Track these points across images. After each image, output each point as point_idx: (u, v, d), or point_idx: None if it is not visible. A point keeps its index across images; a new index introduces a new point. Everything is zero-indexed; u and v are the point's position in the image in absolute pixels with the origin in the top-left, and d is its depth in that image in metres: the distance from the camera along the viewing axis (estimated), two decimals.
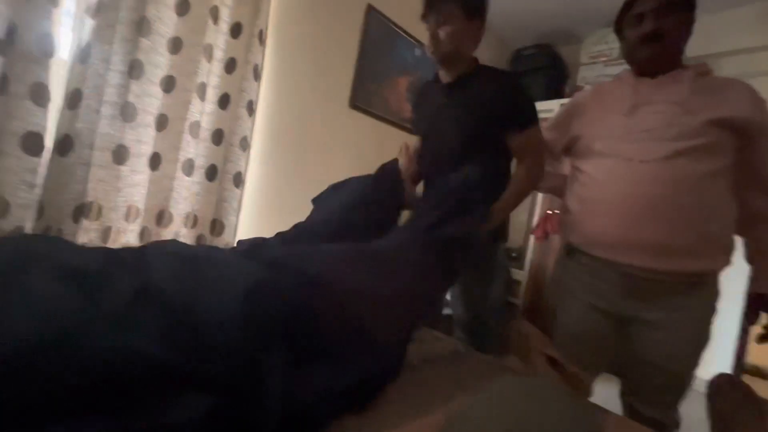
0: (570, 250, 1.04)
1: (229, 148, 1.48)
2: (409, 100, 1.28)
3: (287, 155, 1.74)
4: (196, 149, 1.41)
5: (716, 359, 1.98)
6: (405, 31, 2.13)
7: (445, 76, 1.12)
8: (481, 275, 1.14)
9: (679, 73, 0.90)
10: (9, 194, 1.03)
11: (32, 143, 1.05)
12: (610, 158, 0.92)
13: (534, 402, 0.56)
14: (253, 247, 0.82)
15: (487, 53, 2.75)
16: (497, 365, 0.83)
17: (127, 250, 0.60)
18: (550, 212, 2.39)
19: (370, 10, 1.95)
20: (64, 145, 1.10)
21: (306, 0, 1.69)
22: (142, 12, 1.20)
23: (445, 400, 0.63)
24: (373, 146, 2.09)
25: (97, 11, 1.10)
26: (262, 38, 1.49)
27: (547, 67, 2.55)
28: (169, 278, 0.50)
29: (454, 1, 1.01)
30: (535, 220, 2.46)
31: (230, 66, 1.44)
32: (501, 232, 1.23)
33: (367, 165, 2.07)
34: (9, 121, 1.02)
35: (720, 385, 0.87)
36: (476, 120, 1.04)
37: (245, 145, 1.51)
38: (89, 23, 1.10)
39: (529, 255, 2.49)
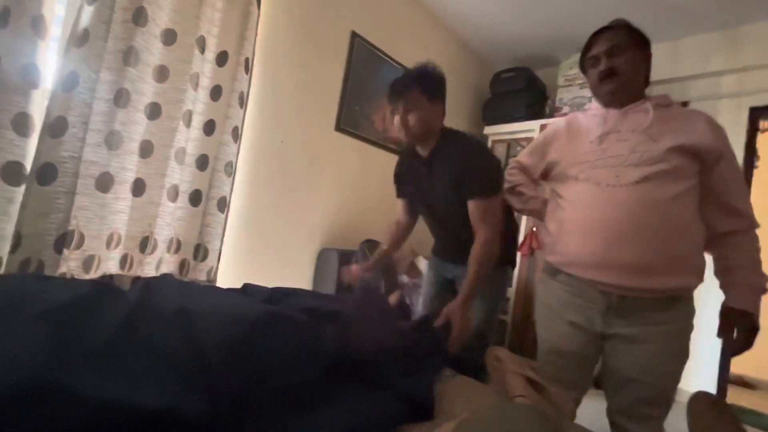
0: (550, 270, 1.08)
1: (214, 173, 1.49)
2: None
3: (272, 180, 1.75)
4: (180, 175, 1.42)
5: (702, 372, 2.02)
6: (388, 56, 2.20)
7: (421, 150, 1.21)
8: (482, 298, 1.18)
9: (642, 104, 0.98)
10: None
11: (12, 173, 1.04)
12: (583, 183, 0.98)
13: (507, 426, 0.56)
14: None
15: (470, 75, 2.86)
16: (481, 387, 0.83)
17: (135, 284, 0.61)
18: (536, 229, 2.44)
19: (355, 36, 2.01)
20: (44, 174, 1.09)
21: (291, 28, 1.75)
22: (130, 42, 1.22)
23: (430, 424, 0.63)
24: (358, 167, 2.12)
25: (84, 40, 1.12)
26: (247, 66, 1.52)
27: (526, 88, 2.65)
28: (170, 301, 0.50)
29: (416, 88, 1.10)
30: (521, 236, 2.50)
31: (216, 93, 1.47)
32: (510, 256, 1.29)
33: (351, 186, 2.10)
34: None
35: (697, 402, 0.90)
36: (450, 190, 1.14)
37: (230, 170, 1.52)
38: (76, 52, 1.11)
39: (516, 271, 2.52)
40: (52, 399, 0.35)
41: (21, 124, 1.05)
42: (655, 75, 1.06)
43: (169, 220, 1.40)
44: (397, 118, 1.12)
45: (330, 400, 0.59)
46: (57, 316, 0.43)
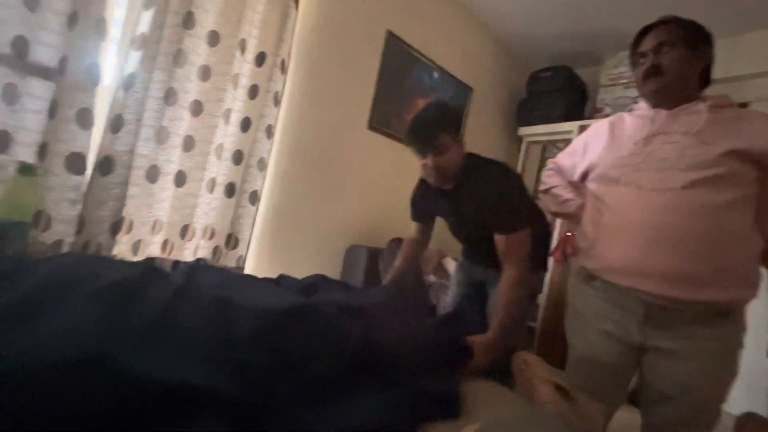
0: (585, 276, 1.04)
1: (248, 168, 1.58)
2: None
3: (304, 176, 1.82)
4: (218, 169, 1.51)
5: (753, 394, 1.85)
6: (423, 55, 2.21)
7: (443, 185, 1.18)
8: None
9: (695, 105, 0.92)
10: (52, 209, 1.14)
11: (76, 163, 1.16)
12: (625, 186, 0.94)
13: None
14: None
15: (505, 74, 2.79)
16: (506, 391, 0.83)
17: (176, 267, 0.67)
18: (570, 234, 2.35)
19: (390, 36, 2.03)
20: (105, 165, 1.21)
21: (327, 29, 1.80)
22: (179, 44, 1.31)
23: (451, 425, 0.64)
24: (389, 166, 2.14)
25: (142, 44, 1.22)
26: (283, 67, 1.59)
27: (565, 88, 2.55)
28: (211, 288, 0.54)
29: (442, 132, 1.06)
30: (554, 241, 2.42)
31: (253, 92, 1.54)
32: (542, 259, 1.26)
33: (382, 184, 2.13)
34: (56, 143, 1.14)
35: (744, 425, 0.83)
36: (477, 221, 1.14)
37: (262, 166, 1.60)
38: (134, 55, 1.21)
39: (547, 277, 2.44)
40: (100, 372, 0.40)
41: (84, 118, 1.16)
42: (714, 73, 0.99)
43: (206, 210, 1.50)
44: (425, 163, 1.09)
45: (352, 394, 0.61)
46: (110, 295, 0.48)
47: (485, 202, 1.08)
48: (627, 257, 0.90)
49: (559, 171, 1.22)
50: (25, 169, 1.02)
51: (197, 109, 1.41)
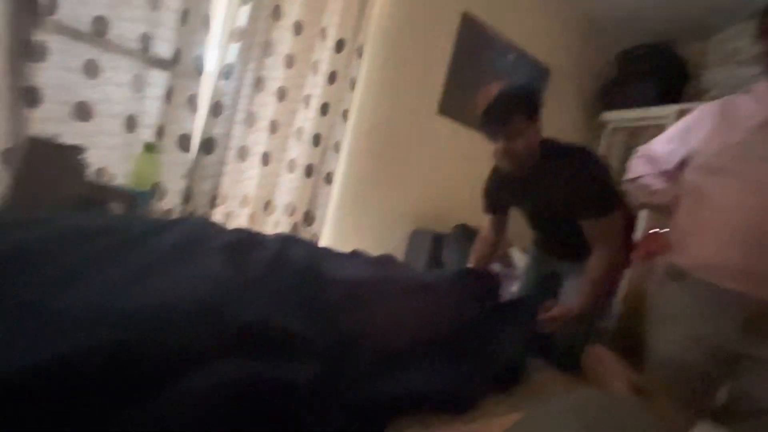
0: (674, 273, 0.96)
1: (325, 150, 1.68)
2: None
3: (374, 159, 1.88)
4: (298, 150, 1.63)
5: None
6: (498, 36, 2.12)
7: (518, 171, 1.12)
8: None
9: None
10: (166, 182, 1.34)
11: (185, 143, 1.34)
12: (731, 177, 0.85)
13: (609, 417, 0.55)
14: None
15: (589, 54, 2.56)
16: (574, 381, 0.82)
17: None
18: (656, 231, 2.13)
19: (465, 18, 1.98)
20: (207, 145, 1.38)
21: (404, 13, 1.81)
22: (269, 35, 1.43)
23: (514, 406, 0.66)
24: (457, 151, 2.12)
25: (239, 37, 1.35)
26: (360, 53, 1.64)
27: (661, 67, 2.27)
28: (302, 256, 0.63)
29: (518, 114, 1.00)
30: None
31: (332, 78, 1.62)
32: (627, 251, 1.19)
33: (449, 169, 2.12)
34: (170, 125, 1.33)
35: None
36: (558, 209, 1.08)
37: (338, 148, 1.69)
38: (233, 47, 1.35)
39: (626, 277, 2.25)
40: (226, 315, 0.49)
41: (192, 103, 1.33)
42: None
43: (287, 188, 1.64)
44: (499, 147, 1.04)
45: (422, 363, 0.65)
46: (228, 251, 0.58)
47: (570, 188, 1.01)
48: (727, 256, 0.82)
49: (651, 159, 1.12)
50: (149, 147, 1.21)
51: (282, 95, 1.53)
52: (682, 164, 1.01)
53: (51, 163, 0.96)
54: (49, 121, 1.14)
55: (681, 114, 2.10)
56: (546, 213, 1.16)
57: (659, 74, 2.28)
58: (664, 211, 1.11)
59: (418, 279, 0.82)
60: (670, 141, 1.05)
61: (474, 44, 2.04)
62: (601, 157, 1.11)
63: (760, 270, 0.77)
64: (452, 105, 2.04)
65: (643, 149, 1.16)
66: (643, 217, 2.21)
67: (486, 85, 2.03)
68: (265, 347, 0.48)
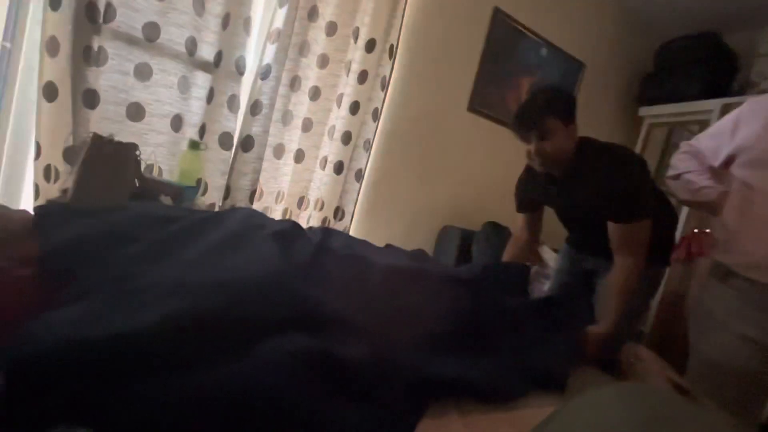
0: (721, 272, 0.93)
1: (355, 148, 1.71)
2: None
3: (404, 156, 1.90)
4: (329, 148, 1.67)
5: None
6: (531, 31, 2.08)
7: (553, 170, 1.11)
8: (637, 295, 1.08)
9: None
10: (209, 178, 1.41)
11: (226, 141, 1.41)
12: None
13: (664, 412, 0.54)
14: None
15: (628, 46, 2.47)
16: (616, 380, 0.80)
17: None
18: (698, 231, 2.03)
19: (497, 12, 1.96)
20: (246, 143, 1.44)
21: (435, 10, 1.81)
22: (305, 36, 1.48)
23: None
24: (486, 148, 2.11)
25: (276, 38, 1.41)
26: (392, 52, 1.67)
27: (707, 59, 2.16)
28: (342, 245, 0.67)
29: (549, 115, 0.99)
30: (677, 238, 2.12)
31: (362, 77, 1.65)
32: (665, 255, 1.18)
33: (479, 166, 2.11)
34: (212, 123, 1.40)
35: None
36: (590, 209, 1.06)
37: (368, 146, 1.72)
38: (270, 48, 1.41)
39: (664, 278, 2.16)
40: (284, 295, 0.53)
41: (232, 103, 1.40)
42: None
43: (318, 184, 1.69)
44: (530, 148, 1.04)
45: (459, 352, 0.67)
46: (281, 237, 0.62)
47: (602, 188, 1.00)
48: None
49: (696, 154, 1.08)
50: (193, 145, 1.28)
51: (315, 94, 1.58)
52: (729, 160, 0.97)
53: (110, 159, 1.03)
54: (106, 121, 1.23)
55: (726, 108, 1.99)
56: (578, 213, 1.15)
57: (703, 66, 2.17)
58: (709, 209, 1.07)
59: (452, 271, 0.83)
60: (716, 136, 1.02)
61: (505, 39, 2.02)
62: (642, 158, 1.06)
63: None
64: (483, 101, 2.03)
65: (687, 144, 1.13)
66: (683, 216, 2.12)
67: (519, 83, 2.00)
68: (315, 326, 0.52)
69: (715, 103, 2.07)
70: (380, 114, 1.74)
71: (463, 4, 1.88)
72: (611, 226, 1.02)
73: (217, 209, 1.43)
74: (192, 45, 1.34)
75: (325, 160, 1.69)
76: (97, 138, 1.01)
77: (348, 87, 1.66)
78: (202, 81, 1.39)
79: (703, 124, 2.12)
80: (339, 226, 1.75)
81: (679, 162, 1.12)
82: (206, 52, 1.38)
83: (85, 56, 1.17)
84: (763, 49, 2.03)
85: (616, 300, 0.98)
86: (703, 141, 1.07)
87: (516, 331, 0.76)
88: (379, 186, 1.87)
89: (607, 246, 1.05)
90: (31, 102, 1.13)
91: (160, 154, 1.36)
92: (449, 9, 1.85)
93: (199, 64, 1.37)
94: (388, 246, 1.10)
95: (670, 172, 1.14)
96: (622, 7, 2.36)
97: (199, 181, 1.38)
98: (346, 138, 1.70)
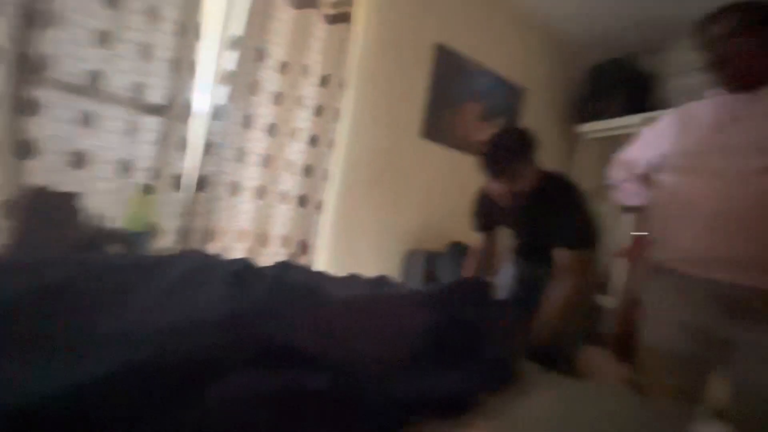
0: (658, 268, 1.02)
1: (315, 180, 1.73)
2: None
3: (365, 185, 1.94)
4: (291, 182, 1.68)
5: None
6: (473, 61, 2.25)
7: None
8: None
9: None
10: (163, 222, 1.36)
11: (178, 183, 1.38)
12: (697, 175, 0.93)
13: (598, 405, 0.57)
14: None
15: (562, 71, 2.72)
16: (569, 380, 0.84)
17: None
18: (640, 234, 2.20)
19: (439, 47, 2.11)
20: (200, 184, 1.42)
21: (380, 46, 1.92)
22: (256, 76, 1.51)
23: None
24: (442, 171, 2.20)
25: (227, 79, 1.43)
26: (344, 86, 1.73)
27: (627, 80, 2.43)
28: (300, 280, 0.67)
29: (519, 158, 1.09)
30: (617, 241, 2.28)
31: (319, 111, 1.70)
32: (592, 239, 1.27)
33: (437, 189, 2.18)
34: (164, 166, 1.37)
35: None
36: (545, 234, 1.16)
37: (326, 176, 1.75)
38: (222, 89, 1.42)
39: (621, 279, 2.30)
40: (240, 335, 0.52)
41: (183, 145, 1.38)
42: None
43: (282, 219, 1.67)
44: (499, 187, 1.12)
45: (421, 370, 0.68)
46: (234, 277, 0.61)
47: (555, 217, 1.11)
48: (697, 246, 0.89)
49: (626, 165, 1.20)
50: (143, 189, 1.24)
51: (273, 130, 1.60)
52: (653, 168, 1.09)
53: (49, 210, 0.98)
54: (46, 171, 1.17)
55: (648, 122, 2.23)
56: (531, 233, 1.25)
57: (626, 86, 2.44)
58: (644, 212, 1.18)
59: (411, 292, 0.85)
60: (640, 148, 1.14)
61: (449, 71, 2.17)
62: (583, 193, 1.20)
63: (725, 255, 0.84)
64: (434, 128, 2.14)
65: (617, 156, 1.25)
66: (629, 221, 2.29)
67: (466, 108, 2.12)
68: (277, 362, 0.51)
69: (637, 119, 2.32)
70: (339, 145, 1.78)
71: (407, 40, 2.01)
72: (560, 252, 1.11)
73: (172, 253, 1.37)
74: (138, 90, 1.32)
75: (286, 194, 1.69)
76: (32, 190, 0.96)
77: (305, 121, 1.70)
78: (151, 125, 1.37)
79: (632, 137, 2.35)
80: (306, 260, 1.73)
81: (613, 172, 1.24)
82: (154, 96, 1.36)
83: (20, 106, 1.12)
84: (672, 69, 2.32)
85: (553, 314, 1.07)
86: (630, 153, 1.19)
87: (471, 339, 0.78)
88: (343, 216, 1.88)
89: (551, 255, 1.13)
90: None
91: (107, 202, 1.30)
92: (394, 45, 1.97)
93: (147, 108, 1.36)
94: (350, 275, 1.10)
95: (608, 183, 1.25)
96: (553, 35, 2.62)
97: (151, 225, 1.33)
98: (308, 171, 1.72)
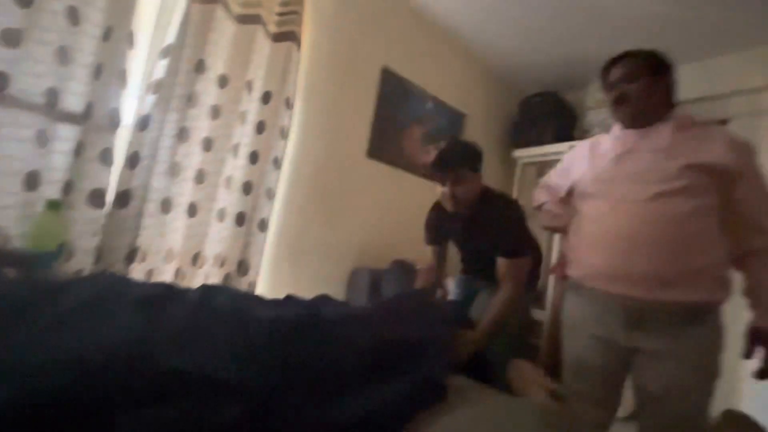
0: (573, 284, 1.11)
1: (257, 197, 1.67)
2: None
3: (309, 203, 1.91)
4: (228, 199, 1.60)
5: (749, 397, 1.83)
6: (417, 86, 2.35)
7: (459, 210, 1.30)
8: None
9: (662, 124, 1.02)
10: (74, 241, 1.22)
11: (97, 198, 1.25)
12: (601, 199, 1.05)
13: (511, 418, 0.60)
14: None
15: (498, 100, 2.93)
16: (498, 393, 0.86)
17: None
18: (562, 253, 2.39)
19: (385, 71, 2.18)
20: (122, 199, 1.30)
21: (327, 67, 1.94)
22: (192, 87, 1.44)
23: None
24: (388, 190, 2.24)
25: (156, 89, 1.35)
26: (288, 104, 1.72)
27: (554, 112, 2.69)
28: (225, 303, 0.62)
29: (463, 165, 1.23)
30: (553, 258, 2.46)
31: (260, 128, 1.66)
32: (532, 285, 1.42)
33: (383, 208, 2.21)
34: (80, 180, 1.24)
35: (728, 421, 0.87)
36: (485, 245, 1.28)
37: (271, 194, 1.69)
38: (149, 98, 1.34)
39: (549, 295, 2.46)
40: (144, 365, 0.47)
41: (106, 157, 1.27)
42: (691, 94, 1.11)
43: (217, 238, 1.58)
44: (446, 189, 1.23)
45: (353, 390, 0.66)
46: (146, 305, 0.56)
47: (496, 230, 1.22)
48: (603, 264, 0.99)
49: (549, 188, 1.31)
50: (52, 205, 1.11)
51: (208, 144, 1.53)
52: (571, 193, 1.20)
53: None
54: None
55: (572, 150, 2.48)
56: (475, 246, 1.36)
57: (555, 117, 2.69)
58: (562, 232, 1.29)
59: (348, 309, 0.84)
60: (559, 174, 1.26)
61: (395, 94, 2.24)
62: (522, 209, 1.35)
63: (626, 272, 0.94)
64: (380, 148, 2.18)
65: (542, 181, 1.36)
66: (558, 238, 2.48)
67: (411, 130, 2.24)
68: (184, 394, 0.47)
69: (564, 146, 2.55)
70: (282, 163, 1.75)
71: (354, 61, 2.06)
72: (501, 261, 1.21)
73: (86, 274, 1.23)
74: (53, 96, 1.20)
75: (223, 212, 1.60)
76: None
77: (245, 137, 1.65)
78: (66, 134, 1.24)
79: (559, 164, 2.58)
80: (244, 280, 1.64)
81: (538, 195, 1.34)
82: (72, 104, 1.25)
83: None
84: (589, 104, 2.61)
85: (494, 315, 1.15)
86: (552, 178, 1.30)
87: (407, 357, 0.77)
88: (286, 235, 1.83)
89: (491, 270, 1.23)
90: None
91: (9, 218, 1.14)
92: (341, 66, 2.00)
93: (63, 116, 1.23)
94: (286, 297, 1.06)
95: (534, 204, 1.36)
96: (492, 67, 2.83)
97: (61, 245, 1.18)
98: (247, 188, 1.65)
